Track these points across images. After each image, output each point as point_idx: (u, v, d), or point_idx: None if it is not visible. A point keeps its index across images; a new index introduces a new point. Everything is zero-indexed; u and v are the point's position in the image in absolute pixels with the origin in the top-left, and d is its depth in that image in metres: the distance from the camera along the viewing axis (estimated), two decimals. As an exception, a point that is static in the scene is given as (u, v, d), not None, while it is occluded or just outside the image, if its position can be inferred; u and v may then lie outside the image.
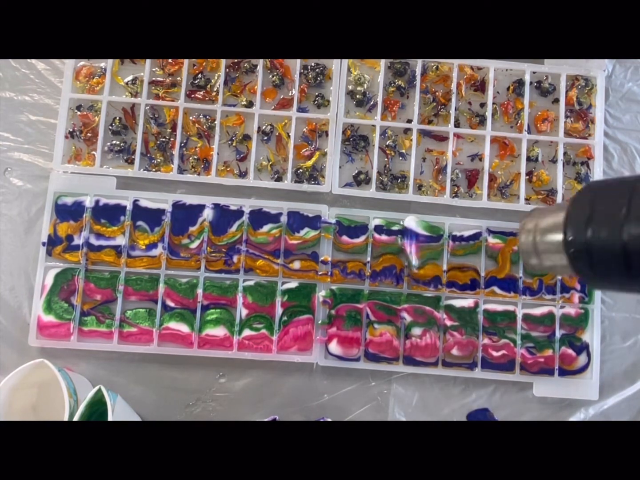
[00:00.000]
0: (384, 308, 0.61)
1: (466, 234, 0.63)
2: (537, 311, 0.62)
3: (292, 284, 0.62)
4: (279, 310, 0.61)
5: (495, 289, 0.62)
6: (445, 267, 0.62)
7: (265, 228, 0.62)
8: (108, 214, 0.62)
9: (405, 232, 0.62)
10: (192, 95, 0.64)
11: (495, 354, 0.61)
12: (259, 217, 0.62)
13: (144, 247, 0.62)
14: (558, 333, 0.62)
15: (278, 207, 0.63)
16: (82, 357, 0.60)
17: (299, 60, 0.64)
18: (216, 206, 0.62)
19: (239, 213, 0.62)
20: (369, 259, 0.62)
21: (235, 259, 0.62)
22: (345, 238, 0.62)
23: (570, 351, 0.62)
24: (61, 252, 0.61)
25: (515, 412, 0.62)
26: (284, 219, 0.62)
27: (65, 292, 0.61)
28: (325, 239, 0.62)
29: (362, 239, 0.62)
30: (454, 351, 0.61)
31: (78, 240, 0.61)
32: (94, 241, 0.61)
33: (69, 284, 0.61)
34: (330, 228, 0.62)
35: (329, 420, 0.60)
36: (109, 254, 0.61)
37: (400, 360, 0.61)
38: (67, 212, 0.61)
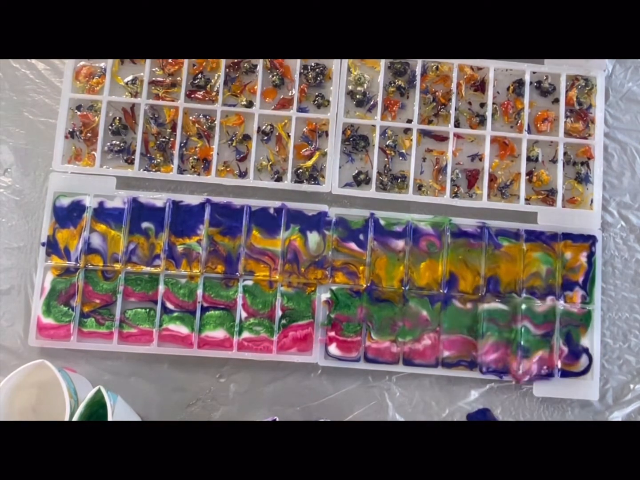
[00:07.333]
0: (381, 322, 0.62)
1: (469, 230, 0.63)
2: (539, 309, 0.62)
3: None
4: (278, 312, 0.61)
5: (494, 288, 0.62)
6: (445, 267, 0.62)
7: (269, 234, 0.62)
8: (108, 214, 0.62)
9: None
10: (192, 95, 0.64)
11: (490, 357, 0.61)
12: (260, 219, 0.62)
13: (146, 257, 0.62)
14: (558, 333, 0.62)
15: (278, 207, 0.62)
16: (82, 358, 0.60)
17: (299, 60, 0.64)
18: (215, 206, 0.62)
19: (239, 213, 0.62)
20: (368, 259, 0.62)
21: (236, 266, 0.62)
22: (346, 241, 0.62)
23: (566, 350, 0.62)
24: (60, 267, 0.61)
25: (515, 412, 0.62)
26: (291, 225, 0.62)
27: (64, 297, 0.61)
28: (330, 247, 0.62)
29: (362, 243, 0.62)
30: (447, 352, 0.61)
31: (76, 253, 0.61)
32: (93, 243, 0.61)
33: (67, 290, 0.61)
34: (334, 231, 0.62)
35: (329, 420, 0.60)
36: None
37: (400, 360, 0.61)
38: (66, 217, 0.61)
